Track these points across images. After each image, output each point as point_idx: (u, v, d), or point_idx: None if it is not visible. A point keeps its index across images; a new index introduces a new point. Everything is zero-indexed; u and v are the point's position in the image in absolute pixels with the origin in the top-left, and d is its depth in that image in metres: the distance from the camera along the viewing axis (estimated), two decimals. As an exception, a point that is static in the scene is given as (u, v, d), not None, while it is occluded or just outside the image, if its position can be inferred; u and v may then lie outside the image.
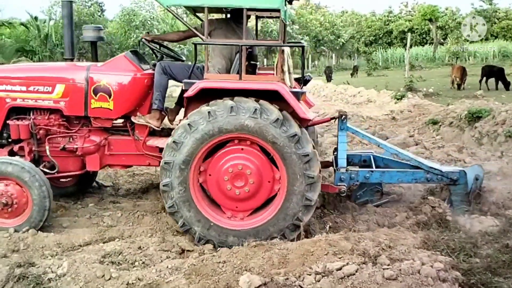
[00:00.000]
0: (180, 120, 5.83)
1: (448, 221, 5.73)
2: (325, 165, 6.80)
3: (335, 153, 6.53)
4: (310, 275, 4.13)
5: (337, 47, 56.62)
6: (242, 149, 5.45)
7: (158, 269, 4.63)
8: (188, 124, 5.24)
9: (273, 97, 5.32)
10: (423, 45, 52.54)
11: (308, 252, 4.54)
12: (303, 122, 5.54)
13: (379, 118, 14.04)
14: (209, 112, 5.20)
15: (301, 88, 5.88)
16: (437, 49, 47.54)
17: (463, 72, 21.75)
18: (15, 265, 4.61)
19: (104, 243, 5.47)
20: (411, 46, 39.72)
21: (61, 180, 6.61)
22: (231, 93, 5.34)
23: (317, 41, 54.72)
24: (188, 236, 5.66)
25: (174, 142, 5.28)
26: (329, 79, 31.71)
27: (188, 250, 5.33)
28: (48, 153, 6.13)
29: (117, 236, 5.70)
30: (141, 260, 5.00)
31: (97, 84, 5.97)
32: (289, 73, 5.68)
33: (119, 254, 5.04)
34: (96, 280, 4.45)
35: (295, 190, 5.31)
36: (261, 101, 5.29)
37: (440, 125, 11.67)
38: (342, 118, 6.22)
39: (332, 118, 6.87)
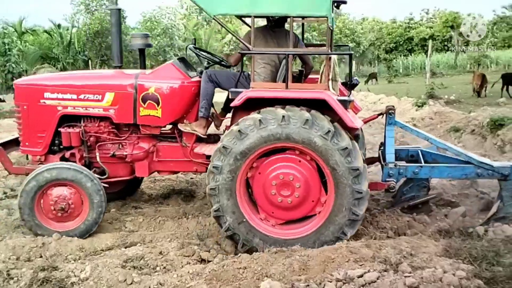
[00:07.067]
0: (226, 126, 5.93)
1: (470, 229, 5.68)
2: (370, 161, 6.73)
3: (381, 148, 6.40)
4: (331, 282, 4.13)
5: (357, 55, 56.35)
6: (299, 160, 5.36)
7: (179, 274, 4.65)
8: (239, 131, 5.19)
9: (320, 105, 5.24)
10: (444, 52, 52.02)
11: (329, 259, 4.53)
12: (351, 131, 5.44)
13: (400, 125, 13.91)
14: (260, 120, 5.14)
15: (349, 93, 5.70)
16: (458, 56, 47.07)
17: (483, 79, 21.40)
18: (39, 269, 4.67)
19: (126, 248, 5.52)
20: (432, 53, 39.40)
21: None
22: (278, 102, 5.30)
23: (336, 47, 54.42)
24: (206, 241, 5.72)
25: (223, 147, 5.25)
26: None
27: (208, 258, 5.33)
28: (98, 159, 6.21)
29: (138, 241, 5.75)
30: (162, 265, 5.03)
31: (145, 92, 6.00)
32: (335, 80, 5.61)
33: (141, 259, 5.08)
34: (118, 285, 4.49)
35: (342, 204, 5.18)
36: (313, 112, 5.19)
37: (462, 133, 11.54)
38: (390, 112, 6.15)
39: (379, 114, 6.67)
